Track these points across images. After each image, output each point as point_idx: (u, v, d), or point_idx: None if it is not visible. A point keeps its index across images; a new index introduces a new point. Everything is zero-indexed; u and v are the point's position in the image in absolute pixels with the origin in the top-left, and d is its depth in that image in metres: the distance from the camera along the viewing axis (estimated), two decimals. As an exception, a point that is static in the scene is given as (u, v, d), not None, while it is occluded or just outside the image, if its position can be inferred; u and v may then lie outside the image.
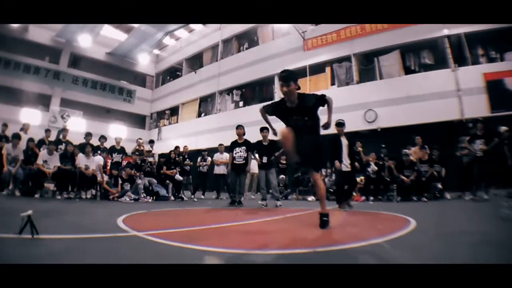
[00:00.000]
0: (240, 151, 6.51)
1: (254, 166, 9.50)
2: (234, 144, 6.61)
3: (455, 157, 7.60)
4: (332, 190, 9.23)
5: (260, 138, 6.50)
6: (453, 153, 7.67)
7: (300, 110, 2.96)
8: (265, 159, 6.27)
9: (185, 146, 9.73)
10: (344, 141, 5.63)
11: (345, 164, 5.55)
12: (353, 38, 12.01)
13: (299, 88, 2.97)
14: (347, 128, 5.66)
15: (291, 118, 2.99)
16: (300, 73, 13.52)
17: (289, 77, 2.87)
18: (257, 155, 6.50)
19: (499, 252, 1.84)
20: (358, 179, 8.43)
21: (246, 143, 6.55)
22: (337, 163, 5.52)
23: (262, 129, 6.30)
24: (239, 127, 6.65)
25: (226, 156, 8.60)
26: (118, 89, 19.05)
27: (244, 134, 6.62)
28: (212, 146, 10.66)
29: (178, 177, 8.35)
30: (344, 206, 5.43)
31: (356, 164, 5.54)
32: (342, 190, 5.80)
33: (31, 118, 12.24)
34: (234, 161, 6.52)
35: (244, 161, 6.48)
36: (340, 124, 5.67)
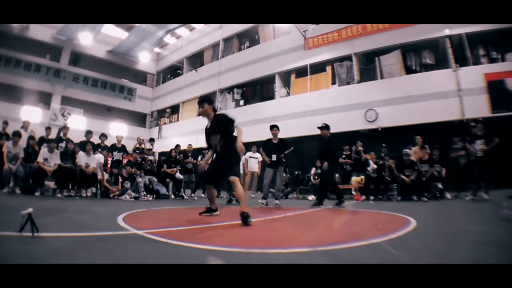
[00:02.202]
0: None
1: (254, 165, 9.50)
2: None
3: (452, 157, 7.64)
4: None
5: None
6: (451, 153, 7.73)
7: (215, 128, 3.53)
8: (274, 157, 6.22)
9: (189, 144, 9.70)
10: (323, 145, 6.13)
11: (324, 167, 6.04)
12: (354, 37, 12.00)
13: (215, 110, 3.66)
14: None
15: (210, 136, 3.57)
16: (301, 72, 13.54)
17: (201, 101, 3.55)
18: (264, 154, 6.45)
19: (499, 252, 1.84)
20: (358, 179, 8.47)
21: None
22: (324, 164, 6.04)
23: (272, 127, 6.30)
24: None
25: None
26: (119, 87, 19.06)
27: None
28: (212, 144, 10.67)
29: (179, 175, 8.36)
30: (317, 204, 5.91)
31: (325, 163, 5.96)
32: (322, 189, 6.34)
33: (31, 116, 12.24)
34: None
35: None
36: (320, 128, 6.13)
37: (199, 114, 3.60)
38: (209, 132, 3.59)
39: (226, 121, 3.52)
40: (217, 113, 3.65)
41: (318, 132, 6.22)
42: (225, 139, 3.50)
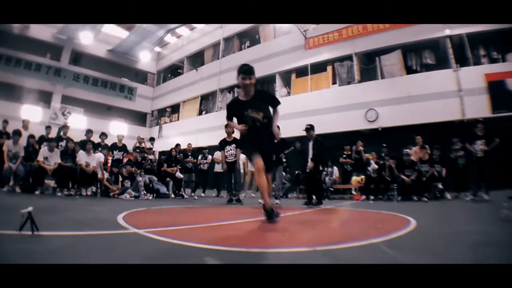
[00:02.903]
0: (231, 149, 6.60)
1: (254, 165, 9.47)
2: (224, 143, 6.68)
3: (451, 158, 7.65)
4: (332, 189, 9.29)
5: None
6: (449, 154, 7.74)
7: (255, 103, 3.07)
8: (273, 157, 6.24)
9: (189, 144, 9.71)
10: (310, 144, 6.03)
11: (309, 167, 6.01)
12: (355, 37, 12.00)
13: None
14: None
15: (246, 112, 3.08)
16: (302, 71, 13.54)
17: (251, 70, 3.04)
18: None
19: (499, 252, 1.84)
20: (359, 178, 8.47)
21: (235, 140, 6.59)
22: (310, 164, 5.99)
23: None
24: (228, 125, 6.68)
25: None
26: (119, 87, 19.08)
27: (233, 132, 6.64)
28: (212, 144, 10.67)
29: (179, 174, 8.36)
30: (309, 204, 5.84)
31: (309, 163, 5.94)
32: (308, 190, 6.24)
33: (32, 115, 12.26)
34: (226, 159, 6.58)
35: (234, 159, 6.58)
36: (306, 130, 6.07)
37: (242, 86, 3.08)
38: (244, 107, 3.11)
39: (270, 98, 3.23)
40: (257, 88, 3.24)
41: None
42: (267, 118, 3.15)
